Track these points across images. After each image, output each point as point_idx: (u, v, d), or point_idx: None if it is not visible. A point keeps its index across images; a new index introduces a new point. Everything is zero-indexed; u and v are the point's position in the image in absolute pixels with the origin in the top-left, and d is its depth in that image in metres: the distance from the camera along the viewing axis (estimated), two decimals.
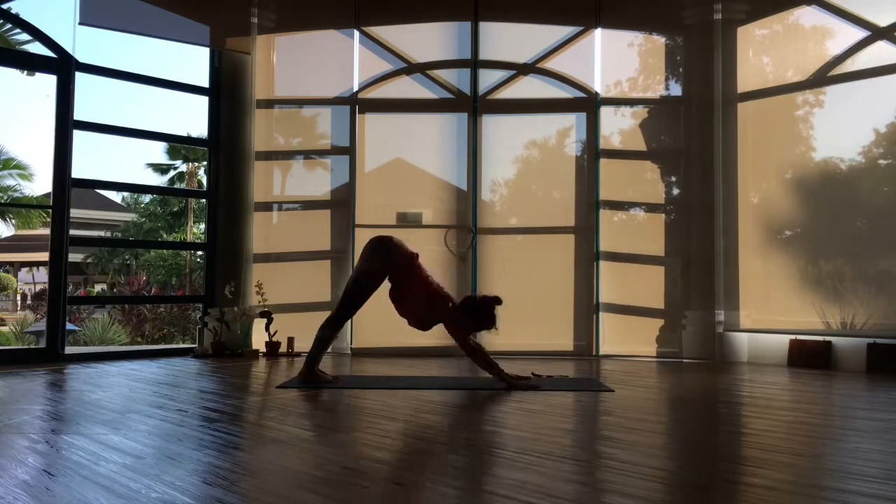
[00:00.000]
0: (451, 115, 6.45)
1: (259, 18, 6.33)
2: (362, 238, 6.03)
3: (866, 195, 5.59)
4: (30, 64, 5.98)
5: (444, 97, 6.45)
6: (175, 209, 23.82)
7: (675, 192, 6.34)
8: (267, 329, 5.88)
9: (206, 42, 6.29)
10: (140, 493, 1.94)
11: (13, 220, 18.56)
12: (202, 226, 20.52)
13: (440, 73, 6.43)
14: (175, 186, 23.74)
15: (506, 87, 6.41)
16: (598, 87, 6.34)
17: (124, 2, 6.06)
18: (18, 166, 18.67)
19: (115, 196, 27.69)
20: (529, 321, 6.18)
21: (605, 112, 6.33)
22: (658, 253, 6.21)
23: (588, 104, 6.31)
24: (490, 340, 4.97)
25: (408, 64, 6.46)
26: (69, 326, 6.44)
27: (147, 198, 24.86)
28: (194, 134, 13.18)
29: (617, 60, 6.43)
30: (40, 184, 22.25)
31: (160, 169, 23.95)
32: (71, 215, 5.55)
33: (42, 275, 24.08)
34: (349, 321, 4.70)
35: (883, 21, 5.38)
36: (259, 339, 5.97)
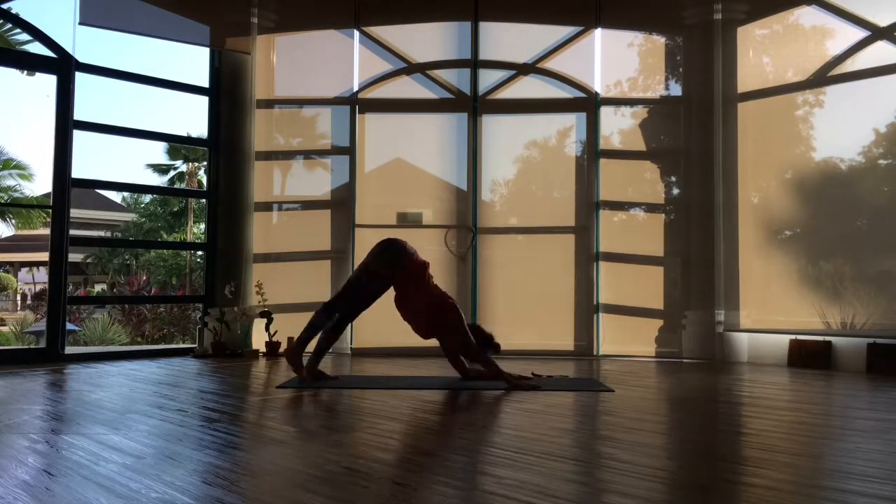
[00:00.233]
0: (451, 115, 6.45)
1: (259, 18, 6.33)
2: (362, 238, 6.06)
3: (866, 195, 5.59)
4: (30, 64, 5.98)
5: (444, 97, 6.45)
6: (175, 209, 23.85)
7: (675, 192, 6.34)
8: (267, 329, 5.88)
9: (206, 42, 6.29)
10: (140, 493, 1.94)
11: (13, 220, 18.57)
12: (202, 226, 20.55)
13: (440, 73, 6.43)
14: (175, 186, 23.78)
15: (506, 87, 6.41)
16: (597, 87, 6.34)
17: (124, 2, 6.06)
18: (18, 166, 18.69)
19: (115, 196, 27.77)
20: (529, 321, 6.19)
21: (605, 112, 6.33)
22: (658, 253, 6.21)
23: (588, 104, 6.31)
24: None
25: (408, 64, 6.46)
26: (69, 326, 6.44)
27: (147, 198, 24.91)
28: (194, 134, 13.22)
29: (617, 60, 6.43)
30: (40, 184, 22.31)
31: (160, 169, 24.00)
32: (71, 215, 5.55)
33: (42, 275, 24.11)
34: (349, 323, 4.69)
35: (883, 21, 5.38)
36: (259, 339, 5.98)
